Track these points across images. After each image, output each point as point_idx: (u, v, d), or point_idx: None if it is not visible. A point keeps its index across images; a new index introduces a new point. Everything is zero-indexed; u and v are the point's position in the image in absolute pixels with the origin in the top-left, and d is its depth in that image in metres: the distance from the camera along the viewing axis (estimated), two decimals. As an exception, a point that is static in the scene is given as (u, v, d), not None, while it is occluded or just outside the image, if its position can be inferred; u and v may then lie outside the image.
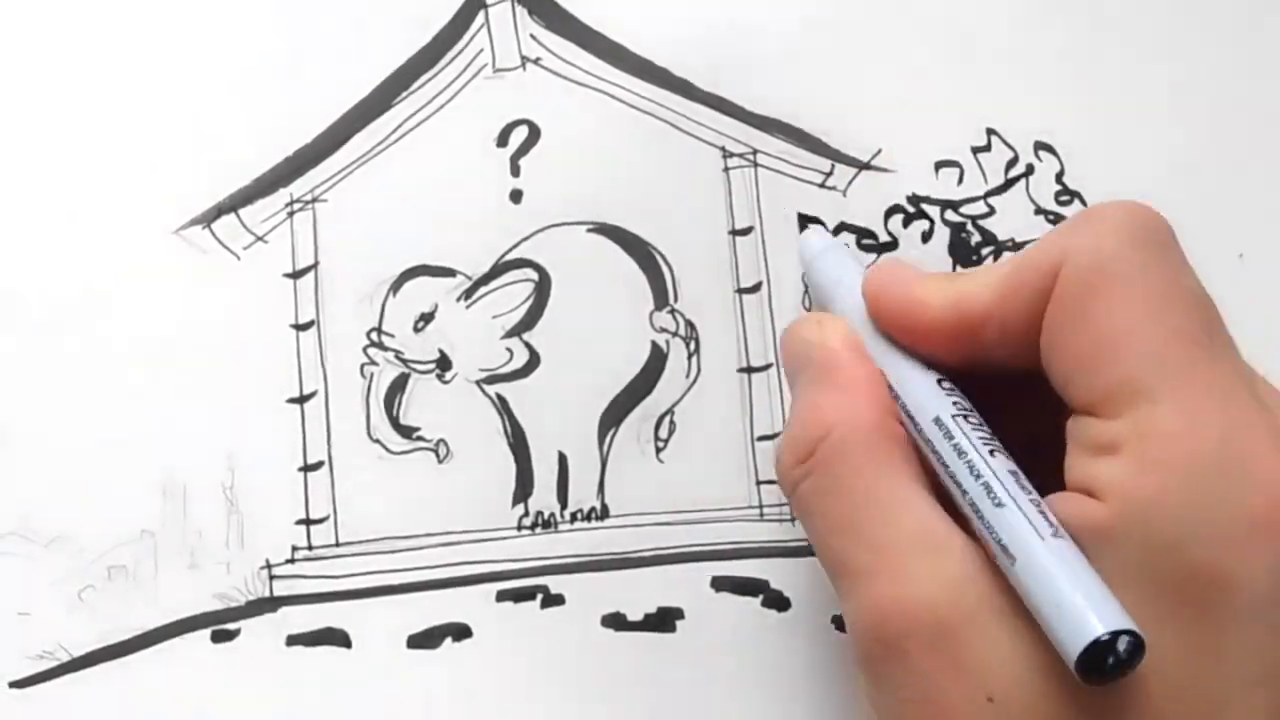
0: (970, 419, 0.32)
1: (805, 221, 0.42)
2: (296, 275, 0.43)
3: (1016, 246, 0.43)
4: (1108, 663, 0.27)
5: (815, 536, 0.33)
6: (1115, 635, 0.27)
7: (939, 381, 0.33)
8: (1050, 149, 0.43)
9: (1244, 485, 0.28)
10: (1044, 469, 0.31)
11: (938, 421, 0.32)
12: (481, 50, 0.44)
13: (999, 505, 0.30)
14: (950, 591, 0.30)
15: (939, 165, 0.43)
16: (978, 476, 0.30)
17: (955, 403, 0.32)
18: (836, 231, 0.43)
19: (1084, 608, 0.27)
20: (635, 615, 0.41)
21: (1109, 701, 0.28)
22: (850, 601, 0.31)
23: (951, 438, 0.31)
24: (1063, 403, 0.31)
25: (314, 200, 0.43)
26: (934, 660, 0.29)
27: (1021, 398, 0.32)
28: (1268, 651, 0.28)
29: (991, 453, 0.31)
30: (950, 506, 0.32)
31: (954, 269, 0.42)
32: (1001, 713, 0.29)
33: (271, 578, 0.41)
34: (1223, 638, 0.28)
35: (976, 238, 0.43)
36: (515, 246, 0.43)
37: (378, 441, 0.42)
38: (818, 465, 0.32)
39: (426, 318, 0.43)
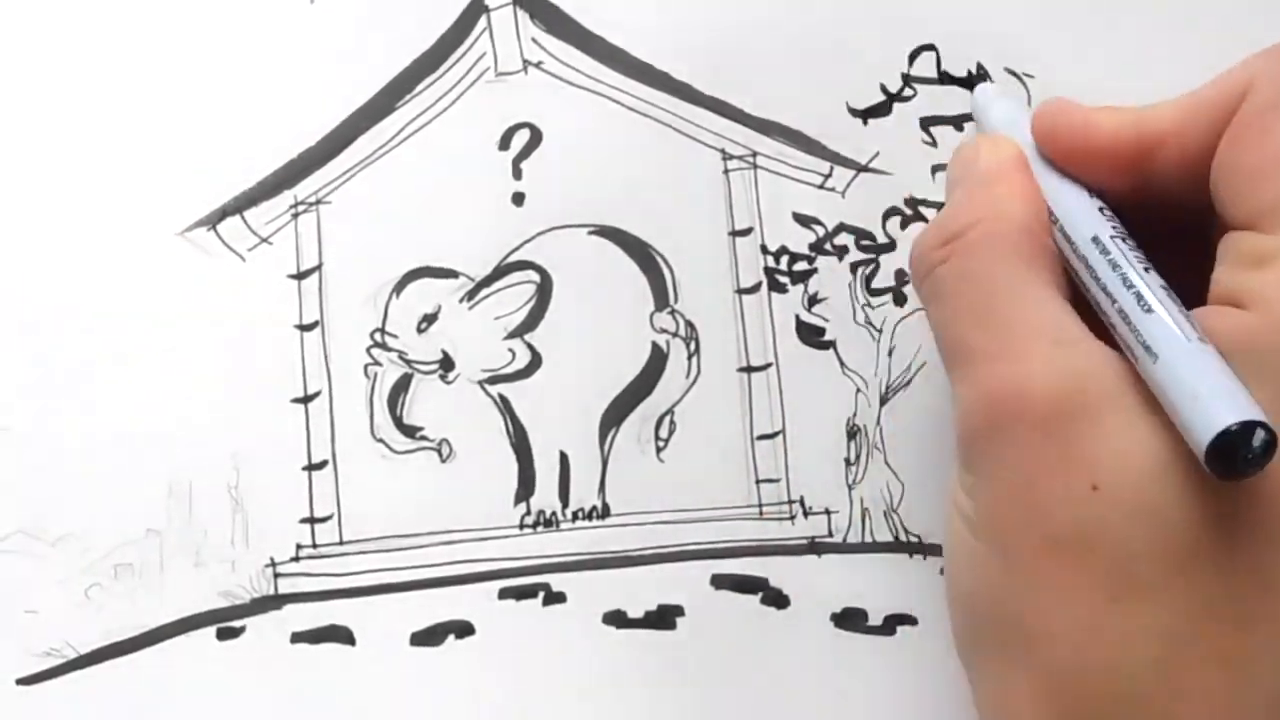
0: (1127, 241, 0.32)
1: (975, 81, 0.43)
2: (301, 276, 0.43)
3: None
4: (1239, 458, 0.27)
5: (940, 321, 0.33)
6: (1248, 429, 0.27)
7: (1100, 208, 0.33)
8: None
9: None
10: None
11: (1095, 240, 0.32)
12: (484, 54, 0.44)
13: (1148, 311, 0.30)
14: (1071, 381, 0.30)
15: (935, 169, 0.43)
16: (1129, 286, 0.31)
17: (1114, 226, 0.33)
18: (836, 232, 0.43)
19: (1219, 398, 0.27)
20: (636, 613, 0.41)
21: (1224, 497, 0.28)
22: (964, 384, 0.32)
23: (1107, 253, 0.32)
24: (1211, 260, 0.32)
25: (318, 202, 0.43)
26: (1042, 445, 0.29)
27: (1172, 253, 0.33)
28: None
29: (1145, 269, 0.31)
30: (1091, 322, 0.32)
31: None
32: (1106, 500, 0.29)
33: (276, 576, 0.41)
34: None
35: None
36: (517, 248, 0.43)
37: (381, 441, 0.42)
38: (959, 249, 0.33)
39: (429, 319, 0.43)
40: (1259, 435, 0.27)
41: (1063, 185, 0.34)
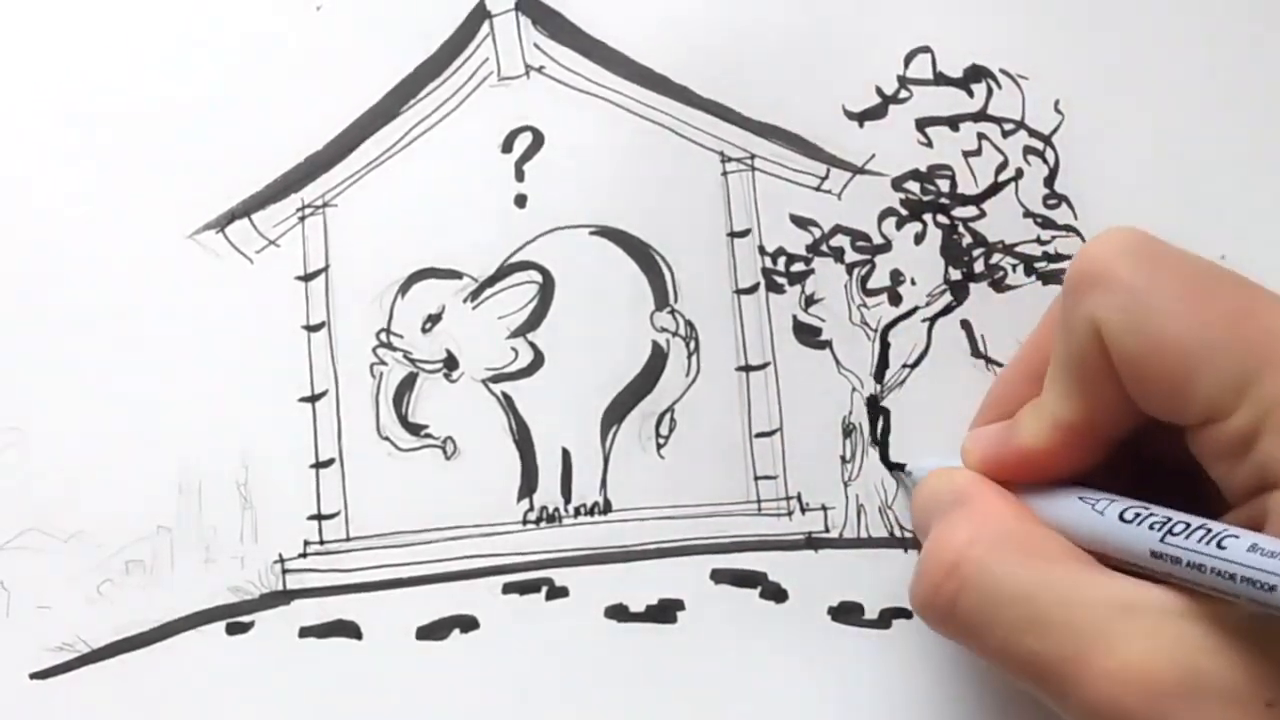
0: (1137, 505, 0.31)
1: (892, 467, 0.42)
2: (308, 278, 0.43)
3: (1007, 249, 0.43)
4: None
5: (995, 650, 0.31)
6: None
7: (1079, 498, 0.33)
8: (1039, 153, 0.44)
9: None
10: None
11: (1121, 517, 0.31)
12: (487, 59, 0.44)
13: (1222, 546, 0.28)
14: (1166, 640, 0.28)
15: (932, 169, 0.44)
16: (1187, 531, 0.29)
17: (1113, 499, 0.32)
18: (832, 233, 0.43)
19: None
20: (637, 607, 0.41)
21: None
22: (1071, 698, 0.29)
23: (1139, 520, 0.31)
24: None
25: (324, 205, 0.44)
26: (1192, 711, 0.27)
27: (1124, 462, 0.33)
28: None
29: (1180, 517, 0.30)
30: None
31: (945, 269, 0.43)
32: None
33: (284, 571, 0.41)
34: None
35: (968, 239, 0.43)
36: (520, 249, 0.43)
37: (387, 439, 0.42)
38: (970, 574, 0.31)
39: (434, 319, 0.43)
40: None
41: (1038, 496, 0.34)
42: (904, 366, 0.43)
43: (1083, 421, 0.33)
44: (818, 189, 0.44)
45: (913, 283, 0.43)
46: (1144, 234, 0.32)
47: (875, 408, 0.42)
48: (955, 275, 0.43)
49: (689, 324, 0.43)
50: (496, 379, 0.43)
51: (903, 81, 0.44)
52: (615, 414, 0.42)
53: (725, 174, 0.44)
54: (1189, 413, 0.30)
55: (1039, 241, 0.43)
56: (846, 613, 0.41)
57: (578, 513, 0.42)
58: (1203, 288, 0.31)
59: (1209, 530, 0.29)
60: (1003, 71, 0.44)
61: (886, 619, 0.41)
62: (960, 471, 0.35)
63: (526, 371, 0.43)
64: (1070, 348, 0.32)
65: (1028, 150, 0.44)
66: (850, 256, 0.43)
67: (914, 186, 0.44)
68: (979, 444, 0.35)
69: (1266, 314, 0.30)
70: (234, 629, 0.41)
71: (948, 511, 0.34)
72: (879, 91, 0.44)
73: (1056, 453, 0.33)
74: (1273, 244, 0.43)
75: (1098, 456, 0.34)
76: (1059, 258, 0.43)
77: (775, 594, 0.41)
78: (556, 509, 0.42)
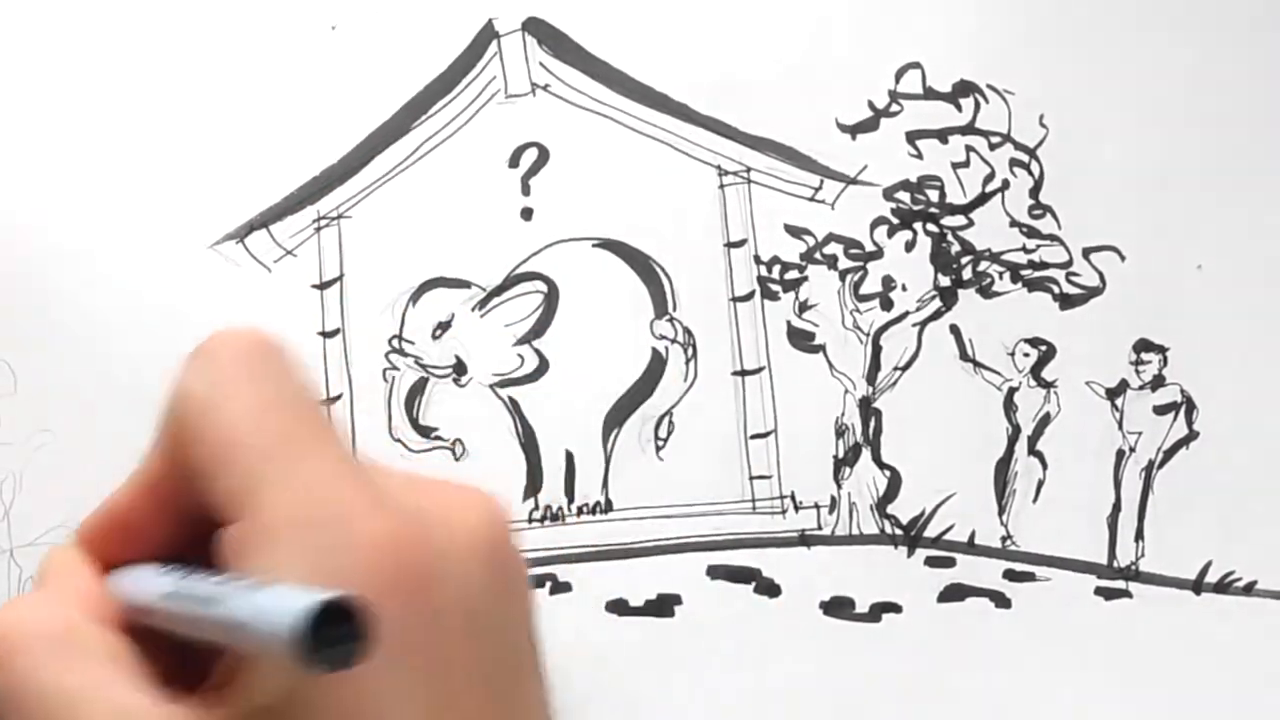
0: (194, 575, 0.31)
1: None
2: (323, 286, 0.44)
3: (994, 256, 0.44)
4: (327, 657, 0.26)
5: None
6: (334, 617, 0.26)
7: (156, 571, 0.33)
8: (1025, 165, 0.45)
9: (354, 552, 0.28)
10: None
11: (156, 589, 0.32)
12: (494, 77, 0.45)
13: (230, 607, 0.29)
14: None
15: (922, 179, 0.45)
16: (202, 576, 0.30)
17: (161, 570, 0.32)
18: (825, 242, 0.44)
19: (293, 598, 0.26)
20: (637, 601, 0.42)
21: None
22: None
23: (170, 571, 0.31)
24: None
25: (339, 217, 0.44)
26: None
27: None
28: (419, 692, 0.28)
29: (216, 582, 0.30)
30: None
31: (935, 276, 0.44)
32: None
33: (301, 567, 0.42)
34: (374, 690, 0.28)
35: (956, 247, 0.44)
36: (526, 260, 0.44)
37: (399, 440, 0.43)
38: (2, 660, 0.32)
39: (444, 326, 0.44)
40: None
41: (124, 576, 0.33)
42: (895, 369, 0.44)
43: (163, 477, 0.33)
44: (811, 199, 0.44)
45: (903, 289, 0.44)
46: (270, 339, 0.33)
47: (867, 409, 0.43)
48: (944, 282, 0.44)
49: (687, 331, 0.44)
50: (503, 384, 0.44)
51: (894, 96, 0.45)
52: (616, 417, 0.43)
53: (722, 187, 0.44)
54: (215, 503, 0.30)
55: (1024, 250, 0.44)
56: (838, 607, 0.42)
57: (580, 511, 0.43)
58: (277, 394, 0.31)
59: (204, 584, 0.29)
60: (990, 87, 0.45)
61: (876, 613, 0.42)
62: (63, 548, 0.35)
63: (532, 377, 0.44)
64: (164, 411, 0.32)
65: (1014, 162, 0.45)
66: (843, 264, 0.44)
67: (905, 196, 0.45)
68: (84, 522, 0.35)
69: (308, 443, 0.30)
70: (253, 622, 0.42)
71: (34, 586, 0.33)
72: (871, 106, 0.45)
73: (140, 509, 0.33)
74: (1247, 254, 0.44)
75: (183, 525, 0.34)
76: (1044, 265, 0.44)
77: (769, 589, 0.42)
78: (560, 508, 0.43)
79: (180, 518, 0.33)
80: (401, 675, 0.28)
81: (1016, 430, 0.43)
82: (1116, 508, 0.43)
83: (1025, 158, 0.45)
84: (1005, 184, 0.45)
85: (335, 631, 0.24)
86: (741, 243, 0.44)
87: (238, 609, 0.27)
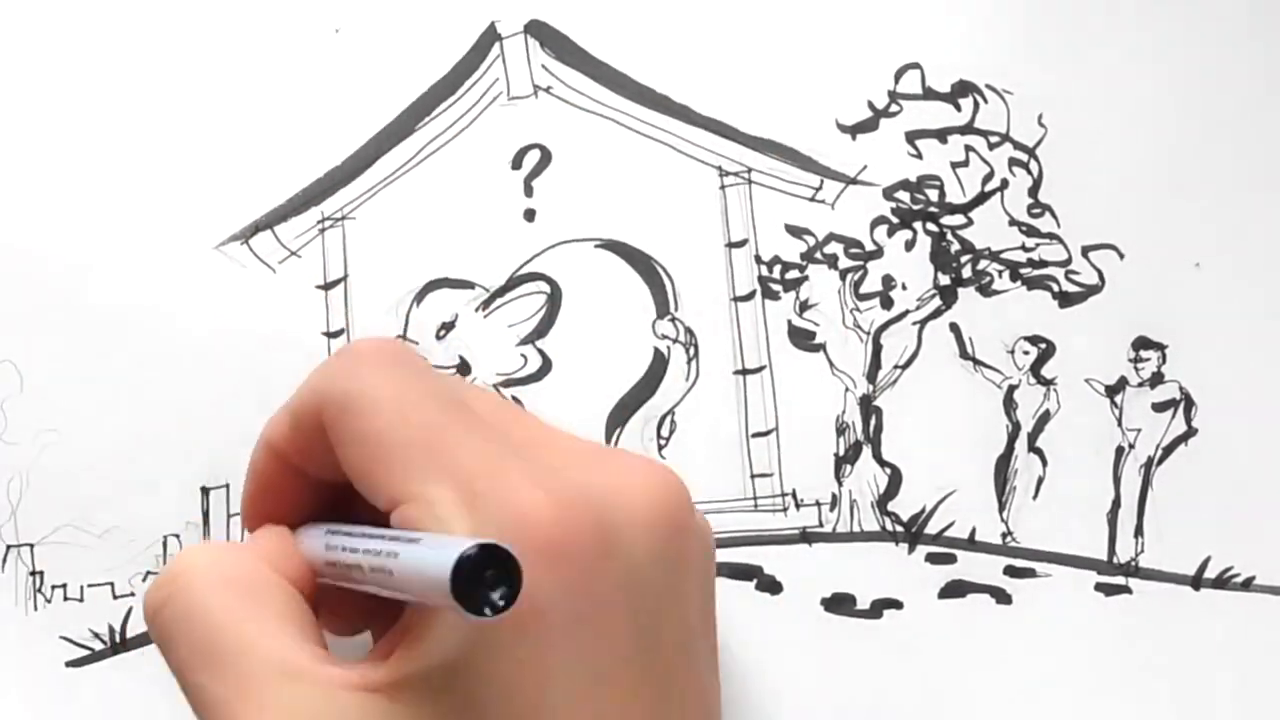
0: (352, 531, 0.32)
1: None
2: (328, 287, 0.44)
3: (993, 255, 0.44)
4: (483, 605, 0.26)
5: (175, 668, 0.31)
6: (487, 566, 0.26)
7: (327, 530, 0.33)
8: (1024, 165, 0.45)
9: (514, 526, 0.28)
10: None
11: (326, 545, 0.32)
12: (497, 79, 0.45)
13: (394, 555, 0.29)
14: (304, 713, 0.29)
15: (922, 179, 0.45)
16: (351, 534, 0.31)
17: (330, 529, 0.33)
18: (826, 241, 0.44)
19: (452, 544, 0.27)
20: None
21: None
22: None
23: (331, 532, 0.32)
24: None
25: (344, 218, 0.44)
26: None
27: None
28: (576, 665, 0.28)
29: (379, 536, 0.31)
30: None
31: (935, 275, 0.44)
32: None
33: (306, 565, 0.43)
34: (540, 655, 0.28)
35: (956, 246, 0.44)
36: (529, 261, 0.44)
37: None
38: (177, 590, 0.31)
39: (448, 326, 0.44)
40: (500, 591, 0.26)
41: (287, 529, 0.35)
42: (895, 368, 0.44)
43: (290, 449, 0.34)
44: (812, 199, 0.45)
45: (903, 287, 0.44)
46: (403, 345, 0.35)
47: (868, 407, 0.44)
48: (944, 280, 0.44)
49: (689, 330, 0.44)
50: (507, 384, 0.44)
51: (893, 96, 0.45)
52: (619, 416, 0.43)
53: (723, 187, 0.45)
54: (375, 499, 0.31)
55: (1023, 249, 0.44)
56: (839, 603, 0.42)
57: None
58: (415, 393, 0.31)
59: (371, 535, 0.31)
60: (989, 87, 0.45)
61: (878, 609, 0.42)
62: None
63: (535, 377, 0.44)
64: (299, 394, 0.34)
65: (1013, 162, 0.45)
66: (843, 263, 0.44)
67: (904, 196, 0.45)
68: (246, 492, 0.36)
69: (455, 433, 0.31)
70: (258, 620, 0.42)
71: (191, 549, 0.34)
72: (871, 106, 0.45)
73: (273, 472, 0.34)
74: (1246, 253, 0.44)
75: (321, 492, 0.34)
76: (1043, 264, 0.44)
77: (771, 586, 0.42)
78: None
79: (306, 489, 0.34)
80: (561, 646, 0.29)
81: (1016, 427, 0.43)
82: (1116, 504, 0.43)
83: (1024, 157, 0.45)
84: (1004, 183, 0.45)
85: (492, 580, 0.26)
86: (742, 243, 0.44)
87: (403, 557, 0.28)
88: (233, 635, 0.30)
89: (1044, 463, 0.43)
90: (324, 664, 0.30)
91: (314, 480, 0.34)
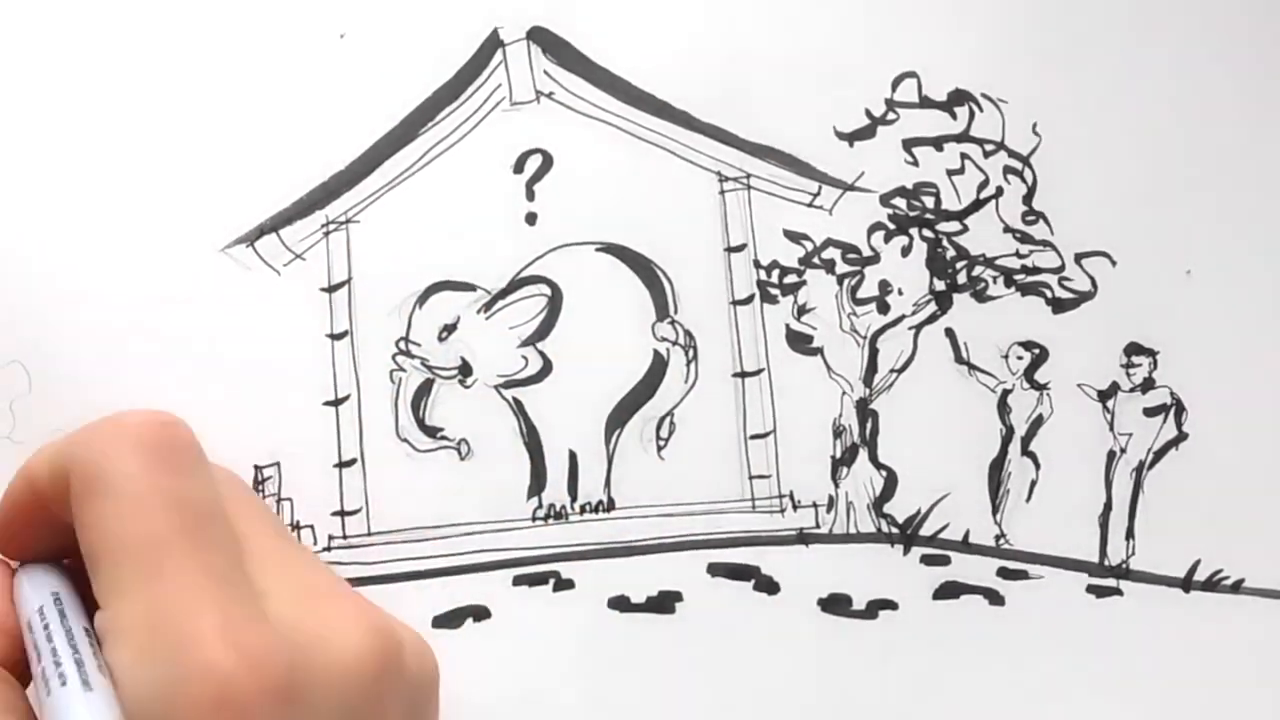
0: (62, 613, 0.31)
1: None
2: (332, 289, 0.44)
3: (988, 261, 0.45)
4: None
5: None
6: None
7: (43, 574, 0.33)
8: (1018, 172, 0.45)
9: (187, 674, 0.28)
10: None
11: (37, 609, 0.32)
12: (500, 85, 0.45)
13: (57, 679, 0.29)
14: None
15: (918, 186, 0.45)
16: (56, 662, 0.30)
17: (56, 596, 0.32)
18: (823, 247, 0.45)
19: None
20: (638, 598, 0.42)
21: None
22: None
23: (45, 629, 0.31)
24: None
25: (348, 221, 0.44)
26: None
27: None
28: None
29: (72, 638, 0.30)
30: None
31: (931, 281, 0.45)
32: None
33: (309, 564, 0.43)
34: None
35: (951, 252, 0.45)
36: (530, 264, 0.44)
37: (405, 441, 0.43)
38: None
39: (450, 328, 0.44)
40: None
41: (26, 573, 0.34)
42: (891, 371, 0.44)
43: (24, 509, 0.33)
44: (810, 205, 0.45)
45: (900, 293, 0.45)
46: (176, 429, 0.32)
47: (864, 410, 0.44)
48: (940, 286, 0.45)
49: (688, 333, 0.44)
50: (508, 385, 0.44)
51: (890, 104, 0.46)
52: (619, 418, 0.44)
53: (722, 192, 0.45)
54: (92, 581, 0.31)
55: (1018, 255, 0.45)
56: (835, 604, 0.43)
57: (583, 510, 0.43)
58: (161, 494, 0.31)
59: (68, 639, 0.30)
60: (984, 96, 0.46)
61: (873, 610, 0.43)
62: None
63: (536, 378, 0.44)
64: (46, 457, 0.32)
65: (1007, 170, 0.45)
66: (841, 268, 0.45)
67: (901, 203, 0.45)
68: None
69: (179, 551, 0.30)
70: (262, 618, 0.42)
71: None
72: (868, 114, 0.46)
73: (26, 504, 0.33)
74: (1236, 260, 0.45)
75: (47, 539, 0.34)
76: (1036, 270, 0.45)
77: (768, 586, 0.43)
78: (563, 507, 0.43)
79: (52, 534, 0.33)
80: None
81: (1010, 431, 0.44)
82: (1108, 507, 0.44)
83: (1019, 165, 0.45)
84: (999, 190, 0.45)
85: None
86: (741, 247, 0.45)
87: (54, 694, 0.28)
88: None
89: (1037, 466, 0.44)
90: None
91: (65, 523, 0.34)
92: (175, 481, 0.31)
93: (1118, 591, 0.43)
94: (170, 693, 0.28)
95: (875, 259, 0.45)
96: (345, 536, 0.43)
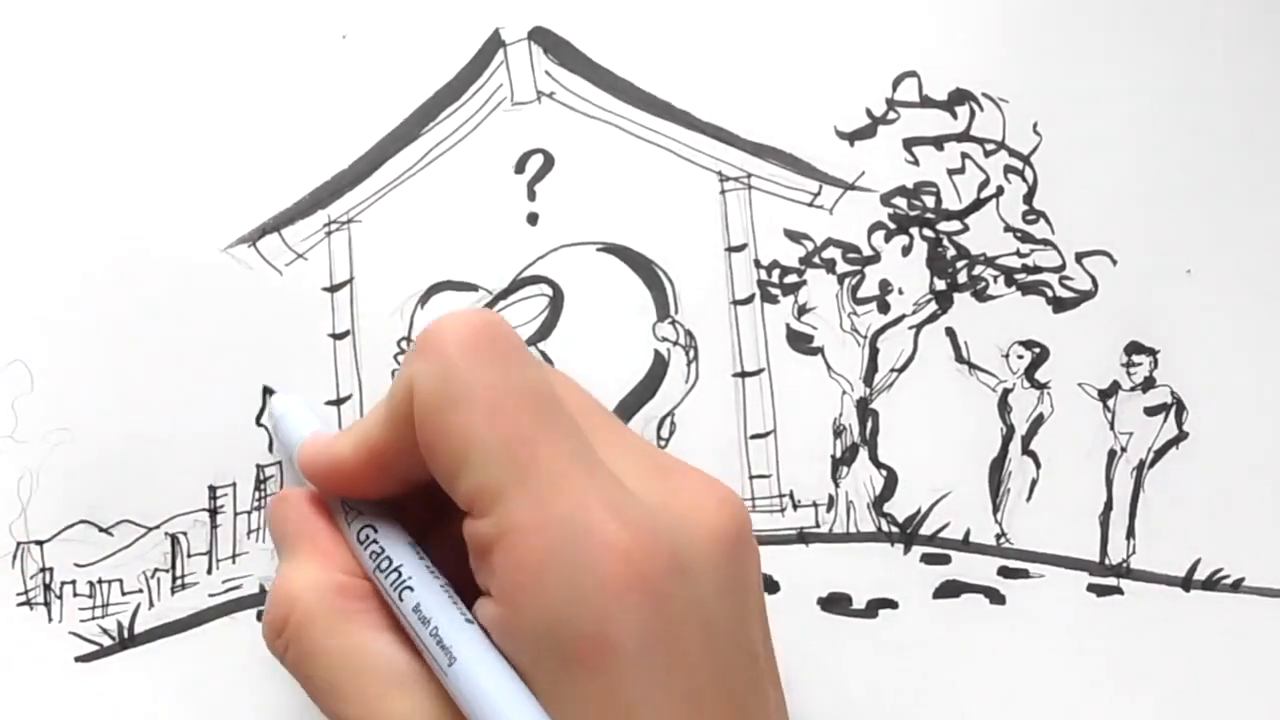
0: (382, 534, 0.33)
1: (269, 390, 0.43)
2: (334, 289, 0.44)
3: (988, 261, 0.45)
4: None
5: (315, 700, 0.33)
6: None
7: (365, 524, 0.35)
8: (1019, 172, 0.45)
9: (591, 557, 0.29)
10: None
11: (358, 537, 0.34)
12: (501, 85, 0.45)
13: (401, 598, 0.32)
14: (423, 716, 0.31)
15: (919, 185, 0.45)
16: (387, 569, 0.33)
17: (374, 552, 0.34)
18: (824, 246, 0.45)
19: (505, 702, 0.29)
20: None
21: None
22: None
23: (387, 573, 0.33)
24: None
25: (350, 221, 0.45)
26: None
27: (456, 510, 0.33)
28: (659, 694, 0.29)
29: (410, 580, 0.32)
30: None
31: (931, 280, 0.45)
32: None
33: (311, 563, 0.43)
34: (619, 689, 0.29)
35: (951, 252, 0.45)
36: (531, 264, 0.45)
37: None
38: (292, 638, 0.33)
39: None
40: None
41: (357, 520, 0.35)
42: (892, 371, 0.44)
43: (387, 449, 0.34)
44: (810, 205, 0.45)
45: (900, 292, 0.45)
46: (496, 325, 0.33)
47: (864, 410, 0.44)
48: (940, 285, 0.45)
49: (689, 333, 0.44)
50: None
51: (891, 104, 0.46)
52: (620, 417, 0.44)
53: (723, 192, 0.45)
54: (456, 496, 0.32)
55: (1018, 254, 0.45)
56: (835, 603, 0.43)
57: None
58: (508, 390, 0.31)
59: (399, 575, 0.32)
60: (985, 95, 0.46)
61: (873, 609, 0.43)
62: (294, 502, 0.36)
63: None
64: (395, 389, 0.33)
65: (1008, 169, 0.45)
66: (841, 268, 0.45)
67: (901, 202, 0.45)
68: (308, 449, 0.36)
69: (543, 441, 0.31)
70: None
71: (285, 558, 0.36)
72: (869, 113, 0.46)
73: (360, 470, 0.34)
74: (1236, 259, 0.45)
75: (403, 486, 0.35)
76: (1037, 270, 0.45)
77: (768, 585, 0.43)
78: None
79: (396, 481, 0.34)
80: (647, 672, 0.29)
81: (1010, 430, 0.44)
82: (1108, 506, 0.44)
83: (1019, 164, 0.45)
84: (999, 190, 0.45)
85: None
86: (742, 247, 0.45)
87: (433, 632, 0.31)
88: (349, 667, 0.32)
89: (1037, 465, 0.44)
90: (418, 661, 0.32)
91: (387, 476, 0.34)
92: (520, 375, 0.32)
93: (1118, 590, 0.43)
94: (581, 579, 0.29)
95: (876, 258, 0.45)
96: (347, 535, 0.43)
